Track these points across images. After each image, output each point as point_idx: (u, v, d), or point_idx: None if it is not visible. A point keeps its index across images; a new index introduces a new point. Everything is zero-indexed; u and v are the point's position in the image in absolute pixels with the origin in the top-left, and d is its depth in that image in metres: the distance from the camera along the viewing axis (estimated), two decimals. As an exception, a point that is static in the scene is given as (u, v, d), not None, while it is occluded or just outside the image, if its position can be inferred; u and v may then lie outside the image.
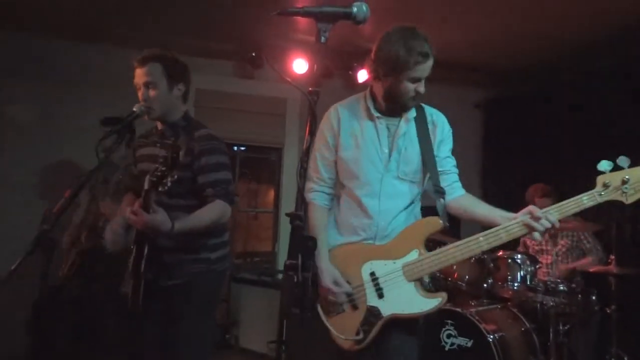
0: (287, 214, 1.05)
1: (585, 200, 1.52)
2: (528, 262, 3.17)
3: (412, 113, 1.80)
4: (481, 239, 1.62)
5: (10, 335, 3.16)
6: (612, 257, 3.13)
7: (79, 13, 3.75)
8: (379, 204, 1.74)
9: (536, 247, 3.74)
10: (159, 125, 2.06)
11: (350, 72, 4.60)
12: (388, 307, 1.65)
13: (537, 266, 3.22)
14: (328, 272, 1.71)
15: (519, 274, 3.16)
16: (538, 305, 3.10)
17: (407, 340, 1.74)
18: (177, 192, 1.96)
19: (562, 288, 3.11)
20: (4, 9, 3.61)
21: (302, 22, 4.23)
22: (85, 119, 3.54)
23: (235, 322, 4.03)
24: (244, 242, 5.70)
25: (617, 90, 3.88)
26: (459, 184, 1.84)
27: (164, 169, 1.72)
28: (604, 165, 1.46)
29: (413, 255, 1.66)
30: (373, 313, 1.65)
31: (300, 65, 4.44)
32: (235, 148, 4.92)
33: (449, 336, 3.03)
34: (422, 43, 1.62)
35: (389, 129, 1.79)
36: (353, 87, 4.53)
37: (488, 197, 5.10)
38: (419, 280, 1.66)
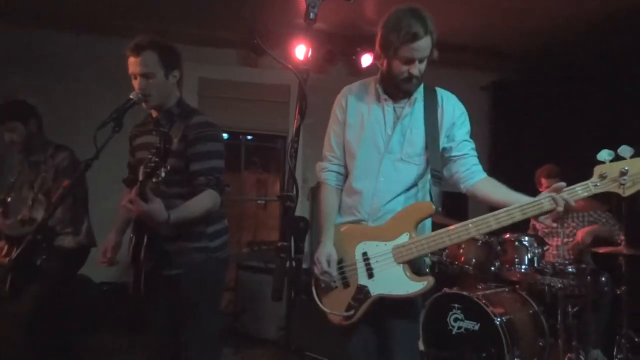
0: (278, 196, 1.04)
1: (579, 190, 1.47)
2: (535, 245, 3.14)
3: (419, 94, 1.78)
4: (470, 225, 1.61)
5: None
6: (622, 237, 3.08)
7: (82, 4, 3.75)
8: (375, 185, 1.74)
9: (545, 230, 3.70)
10: (154, 113, 2.04)
11: (354, 57, 4.56)
12: (376, 287, 1.69)
13: (545, 248, 3.19)
14: (325, 249, 1.76)
15: (526, 256, 3.12)
16: (546, 287, 3.08)
17: (410, 324, 1.77)
18: (175, 181, 1.95)
19: (570, 270, 3.08)
20: (8, 3, 3.63)
21: (304, 7, 4.19)
22: (90, 111, 3.56)
23: (244, 310, 4.06)
24: (253, 232, 5.73)
25: (627, 72, 3.79)
26: (479, 167, 1.77)
27: (157, 159, 1.70)
28: (603, 155, 1.39)
29: (404, 238, 1.67)
30: (362, 291, 1.69)
31: (302, 51, 4.39)
32: (243, 137, 4.93)
33: (456, 320, 3.02)
34: (413, 23, 1.59)
35: (396, 111, 1.78)
36: (357, 72, 4.49)
37: (495, 178, 5.08)
38: (408, 263, 1.67)
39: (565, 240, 3.44)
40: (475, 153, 1.80)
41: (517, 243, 3.16)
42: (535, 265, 3.09)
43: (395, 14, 1.64)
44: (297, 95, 1.14)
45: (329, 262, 1.74)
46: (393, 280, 1.66)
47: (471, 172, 1.75)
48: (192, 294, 1.97)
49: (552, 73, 4.41)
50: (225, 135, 4.76)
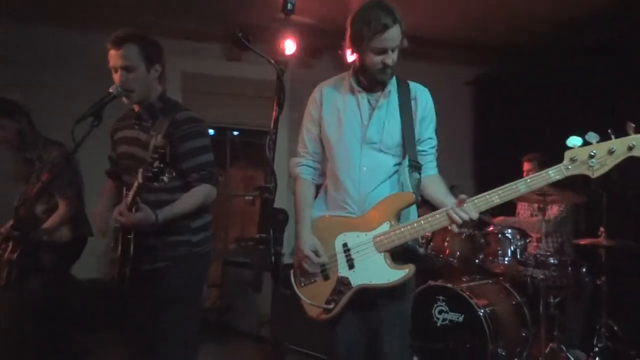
0: (255, 188, 1.03)
1: (552, 173, 1.53)
2: (518, 237, 3.19)
3: (393, 87, 1.81)
4: (437, 216, 1.67)
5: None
6: (603, 228, 3.14)
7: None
8: (359, 176, 1.77)
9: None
10: (136, 108, 2.02)
11: (339, 52, 4.52)
12: (357, 278, 1.70)
13: (528, 240, 3.23)
14: (309, 241, 1.76)
15: (509, 248, 3.17)
16: (528, 278, 3.12)
17: (399, 307, 1.78)
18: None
19: (552, 261, 3.13)
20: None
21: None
22: (70, 106, 3.49)
23: (230, 306, 4.05)
24: (240, 228, 5.70)
25: (608, 65, 3.85)
26: (433, 164, 1.87)
27: (161, 165, 1.68)
28: (572, 140, 1.48)
29: (384, 227, 1.69)
30: (343, 283, 1.70)
31: (286, 45, 4.37)
32: (228, 133, 4.90)
33: (440, 312, 3.05)
34: (381, 14, 1.63)
35: (370, 103, 1.81)
36: (342, 66, 4.46)
37: (479, 173, 5.15)
38: (389, 252, 1.68)
39: (547, 231, 3.50)
40: (434, 150, 1.87)
41: (500, 236, 3.20)
42: (518, 257, 3.14)
43: (362, 9, 1.69)
44: (275, 87, 1.13)
45: (316, 253, 1.74)
46: (374, 270, 1.67)
47: (425, 167, 1.84)
48: (173, 288, 1.95)
49: (536, 67, 4.46)
50: (210, 131, 4.75)
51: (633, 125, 1.39)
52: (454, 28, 4.24)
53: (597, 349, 3.14)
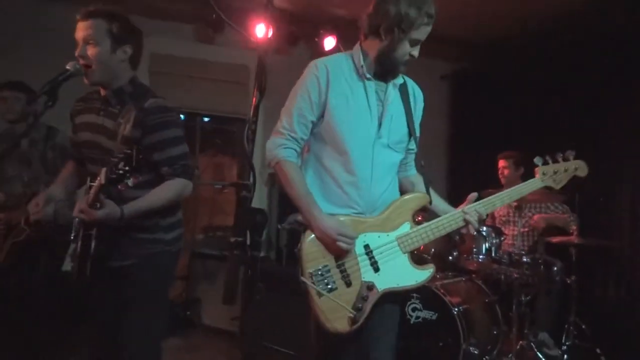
0: (231, 184, 0.91)
1: (537, 183, 1.83)
2: (493, 235, 3.17)
3: (399, 80, 1.73)
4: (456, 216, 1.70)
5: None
6: (574, 227, 3.16)
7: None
8: (372, 173, 1.65)
9: (503, 219, 3.76)
10: (102, 91, 1.83)
11: (316, 40, 4.40)
12: (384, 282, 1.60)
13: (502, 238, 3.22)
14: (329, 221, 1.57)
15: (484, 246, 3.15)
16: (502, 276, 3.11)
17: (395, 307, 1.74)
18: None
19: (525, 259, 3.13)
20: None
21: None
22: (32, 81, 3.24)
23: (197, 299, 3.90)
24: (209, 217, 5.51)
25: (586, 61, 3.87)
26: (413, 164, 1.89)
27: (127, 168, 1.54)
28: (537, 160, 1.85)
29: (405, 228, 1.64)
30: (368, 288, 1.57)
31: (261, 30, 4.20)
32: (199, 119, 4.69)
33: (414, 309, 3.00)
34: (430, 4, 1.57)
35: (377, 93, 1.68)
36: (319, 54, 4.33)
37: (454, 168, 5.14)
38: (410, 253, 1.64)
39: (522, 230, 3.51)
40: (416, 149, 1.86)
41: (475, 233, 3.16)
42: (493, 255, 3.12)
43: None
44: (256, 72, 1.00)
45: (341, 234, 1.55)
46: (400, 272, 1.60)
47: (407, 166, 1.85)
48: (141, 286, 1.82)
49: (513, 62, 4.45)
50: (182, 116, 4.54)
51: (573, 152, 1.82)
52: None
53: (565, 347, 3.18)
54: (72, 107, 1.92)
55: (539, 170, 1.84)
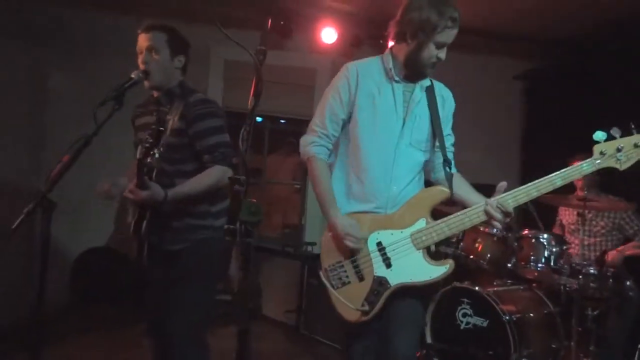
0: (229, 178, 1.02)
1: (585, 167, 1.59)
2: (553, 242, 2.97)
3: (427, 82, 1.79)
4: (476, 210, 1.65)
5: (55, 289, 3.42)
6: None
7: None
8: (392, 170, 1.71)
9: (572, 226, 3.50)
10: (155, 93, 2.07)
11: (381, 41, 4.43)
12: (396, 277, 1.64)
13: (564, 247, 3.00)
14: (345, 219, 1.67)
15: (543, 254, 2.97)
16: (562, 287, 2.92)
17: (416, 301, 1.72)
18: (177, 159, 1.99)
19: (592, 271, 2.90)
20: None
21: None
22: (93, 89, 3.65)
23: (259, 291, 4.12)
24: (283, 215, 5.76)
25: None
26: (451, 163, 1.82)
27: (151, 140, 1.76)
28: (599, 135, 1.56)
29: (421, 224, 1.65)
30: (381, 283, 1.64)
31: (329, 35, 4.33)
32: (269, 120, 4.95)
33: (464, 315, 2.93)
34: (453, 9, 1.61)
35: (405, 94, 1.76)
36: (384, 56, 4.36)
37: (526, 171, 4.86)
38: (427, 249, 1.65)
39: (594, 240, 3.26)
40: (452, 148, 1.84)
41: (534, 240, 3.00)
42: (552, 264, 2.94)
43: None
44: (254, 78, 1.11)
45: (348, 234, 1.64)
46: (414, 267, 1.63)
47: (437, 167, 1.82)
48: (189, 270, 1.98)
49: (590, 60, 4.12)
50: (258, 119, 4.81)
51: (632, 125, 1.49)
52: (503, 18, 4.01)
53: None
54: (132, 113, 2.18)
55: (595, 149, 1.57)
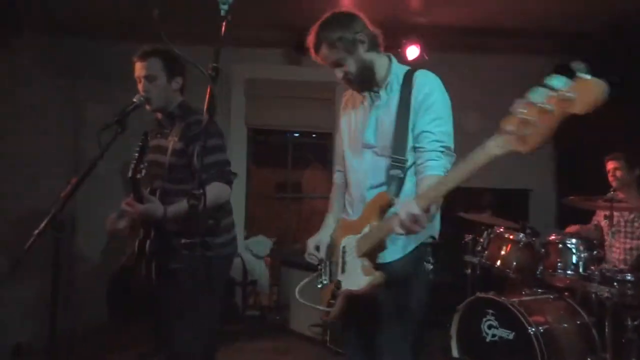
0: (186, 192, 1.04)
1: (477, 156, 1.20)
2: (582, 248, 2.79)
3: (397, 81, 1.67)
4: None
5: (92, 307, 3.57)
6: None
7: (131, 14, 4.02)
8: (359, 178, 1.75)
9: (612, 228, 3.27)
10: (159, 116, 2.15)
11: (398, 50, 4.39)
12: (345, 282, 1.66)
13: (594, 252, 2.81)
14: (316, 237, 1.86)
15: (571, 260, 2.79)
16: (593, 295, 2.73)
17: (389, 297, 1.63)
18: (180, 178, 2.05)
19: (629, 277, 2.69)
20: (72, 18, 4.01)
21: (344, 2, 4.12)
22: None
23: (286, 305, 4.12)
24: (311, 228, 5.76)
25: None
26: (432, 164, 1.56)
27: (136, 155, 1.88)
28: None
29: (366, 230, 1.60)
30: (337, 286, 1.68)
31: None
32: (289, 134, 5.00)
33: (490, 327, 2.80)
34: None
35: (373, 100, 1.74)
36: (403, 64, 4.30)
37: (561, 174, 4.63)
38: (368, 257, 1.58)
39: (636, 243, 3.04)
40: (434, 146, 1.57)
41: (560, 245, 2.83)
42: (581, 270, 2.75)
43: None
44: (207, 96, 1.13)
45: (317, 248, 1.82)
46: (354, 275, 1.61)
47: (423, 167, 1.58)
48: (192, 288, 2.00)
49: (622, 55, 3.89)
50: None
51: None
52: (529, 14, 3.89)
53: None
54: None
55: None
